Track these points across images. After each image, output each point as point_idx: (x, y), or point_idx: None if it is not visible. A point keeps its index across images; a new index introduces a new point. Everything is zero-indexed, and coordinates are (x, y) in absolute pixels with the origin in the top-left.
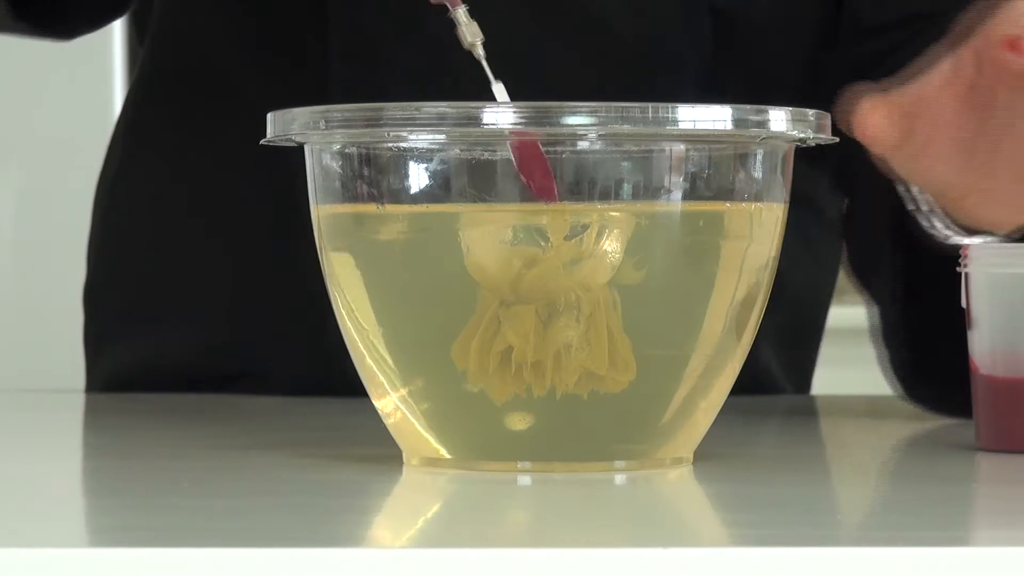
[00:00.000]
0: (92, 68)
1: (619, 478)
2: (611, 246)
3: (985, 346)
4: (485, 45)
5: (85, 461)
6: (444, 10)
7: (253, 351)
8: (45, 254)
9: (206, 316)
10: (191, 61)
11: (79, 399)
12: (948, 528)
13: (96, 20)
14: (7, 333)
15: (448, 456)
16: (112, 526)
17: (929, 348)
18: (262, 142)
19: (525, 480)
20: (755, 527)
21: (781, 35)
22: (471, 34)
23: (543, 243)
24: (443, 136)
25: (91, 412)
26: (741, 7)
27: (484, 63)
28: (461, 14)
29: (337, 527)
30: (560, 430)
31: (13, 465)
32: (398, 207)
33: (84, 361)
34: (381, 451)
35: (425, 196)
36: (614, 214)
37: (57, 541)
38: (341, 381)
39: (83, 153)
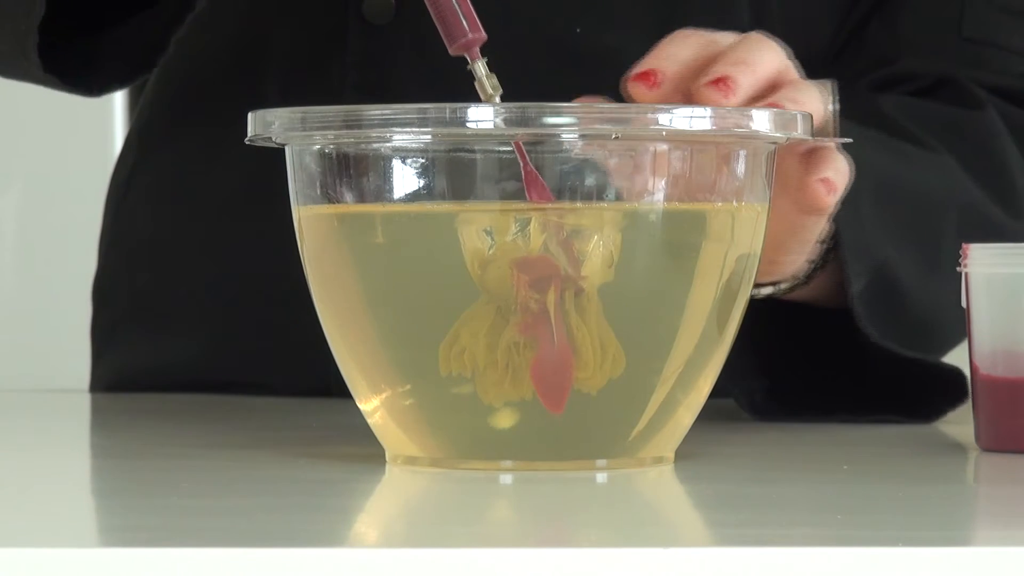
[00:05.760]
0: None
1: (600, 477)
2: (591, 245)
3: (985, 346)
4: (502, 96)
5: (85, 461)
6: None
7: (254, 355)
8: (48, 255)
9: (208, 319)
10: (209, 76)
11: (80, 399)
12: (948, 528)
13: (124, 79)
14: (10, 333)
15: (431, 455)
16: (111, 526)
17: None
18: (246, 140)
19: (507, 479)
20: (737, 527)
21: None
22: (491, 87)
23: (522, 242)
24: (421, 136)
25: (92, 413)
26: None
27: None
28: (480, 67)
29: (330, 527)
30: (543, 429)
31: (14, 465)
32: (377, 207)
33: (90, 356)
34: (381, 451)
35: (403, 196)
36: (595, 213)
37: (56, 541)
38: (341, 383)
39: (85, 158)
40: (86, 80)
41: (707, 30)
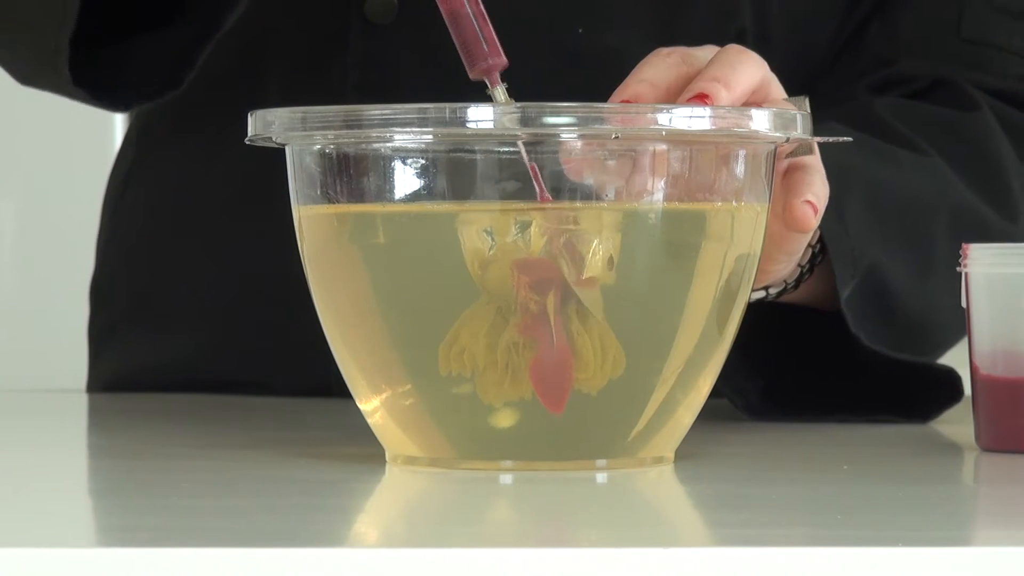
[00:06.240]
0: None
1: (600, 477)
2: (592, 246)
3: (985, 346)
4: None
5: (83, 461)
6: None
7: (254, 355)
8: (47, 255)
9: (208, 319)
10: (209, 76)
11: (79, 399)
12: (948, 528)
13: (152, 94)
14: (9, 333)
15: (431, 455)
16: (111, 526)
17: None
18: (246, 140)
19: (507, 479)
20: (737, 527)
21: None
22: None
23: (523, 242)
24: (421, 136)
25: (90, 413)
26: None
27: (522, 147)
28: (500, 92)
29: (330, 527)
30: (543, 429)
31: (13, 465)
32: (377, 207)
33: (87, 356)
34: (381, 451)
35: (403, 196)
36: (595, 214)
37: (56, 541)
38: (341, 383)
39: (85, 158)
40: (113, 95)
41: (687, 46)
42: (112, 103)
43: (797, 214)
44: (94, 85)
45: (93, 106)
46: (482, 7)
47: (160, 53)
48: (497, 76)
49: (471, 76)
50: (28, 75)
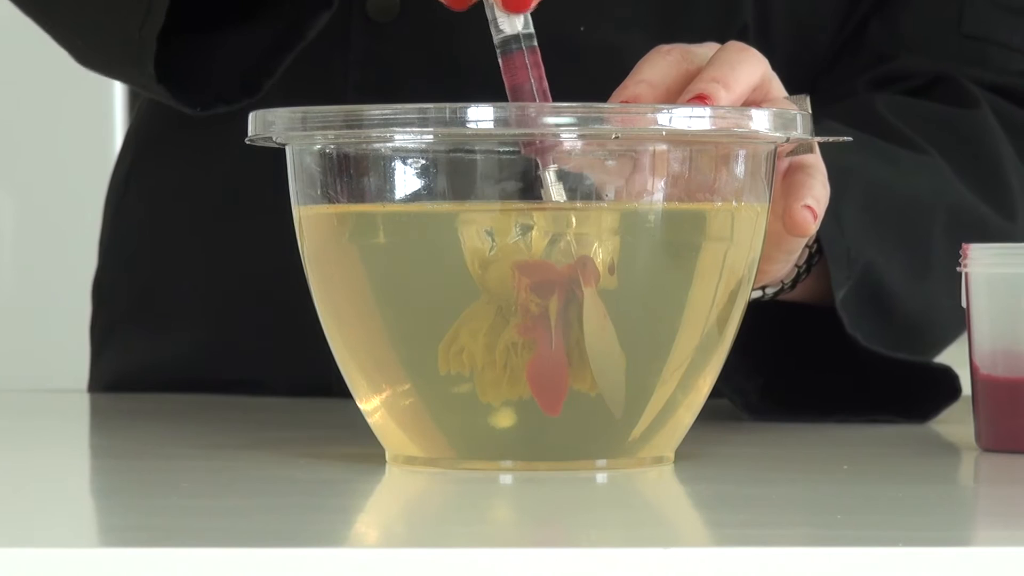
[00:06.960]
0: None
1: (600, 477)
2: (592, 247)
3: (985, 346)
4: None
5: (84, 461)
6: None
7: (254, 355)
8: (48, 254)
9: (208, 318)
10: None
11: (79, 399)
12: (948, 528)
13: (229, 99)
14: (10, 333)
15: (431, 455)
16: (111, 526)
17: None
18: (246, 140)
19: (507, 479)
20: (737, 527)
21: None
22: (556, 194)
23: (524, 244)
24: (421, 136)
25: (91, 413)
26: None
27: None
28: (550, 174)
29: (330, 527)
30: (543, 429)
31: (14, 465)
32: (378, 207)
33: (89, 355)
34: (381, 451)
35: (404, 196)
36: (594, 213)
37: (56, 541)
38: (341, 382)
39: (85, 158)
40: (192, 96)
41: (686, 44)
42: (190, 103)
43: (797, 219)
44: (173, 82)
45: (168, 103)
46: (546, 83)
47: (241, 57)
48: (551, 158)
49: (523, 152)
50: (99, 63)
